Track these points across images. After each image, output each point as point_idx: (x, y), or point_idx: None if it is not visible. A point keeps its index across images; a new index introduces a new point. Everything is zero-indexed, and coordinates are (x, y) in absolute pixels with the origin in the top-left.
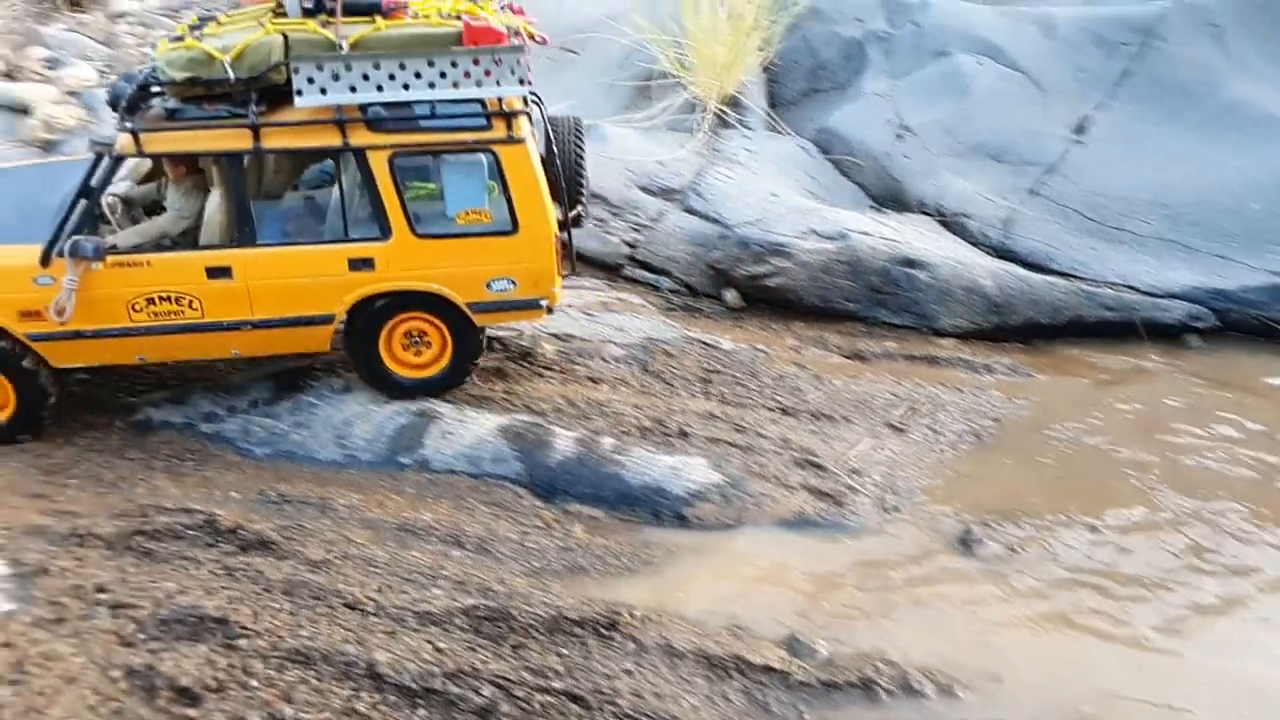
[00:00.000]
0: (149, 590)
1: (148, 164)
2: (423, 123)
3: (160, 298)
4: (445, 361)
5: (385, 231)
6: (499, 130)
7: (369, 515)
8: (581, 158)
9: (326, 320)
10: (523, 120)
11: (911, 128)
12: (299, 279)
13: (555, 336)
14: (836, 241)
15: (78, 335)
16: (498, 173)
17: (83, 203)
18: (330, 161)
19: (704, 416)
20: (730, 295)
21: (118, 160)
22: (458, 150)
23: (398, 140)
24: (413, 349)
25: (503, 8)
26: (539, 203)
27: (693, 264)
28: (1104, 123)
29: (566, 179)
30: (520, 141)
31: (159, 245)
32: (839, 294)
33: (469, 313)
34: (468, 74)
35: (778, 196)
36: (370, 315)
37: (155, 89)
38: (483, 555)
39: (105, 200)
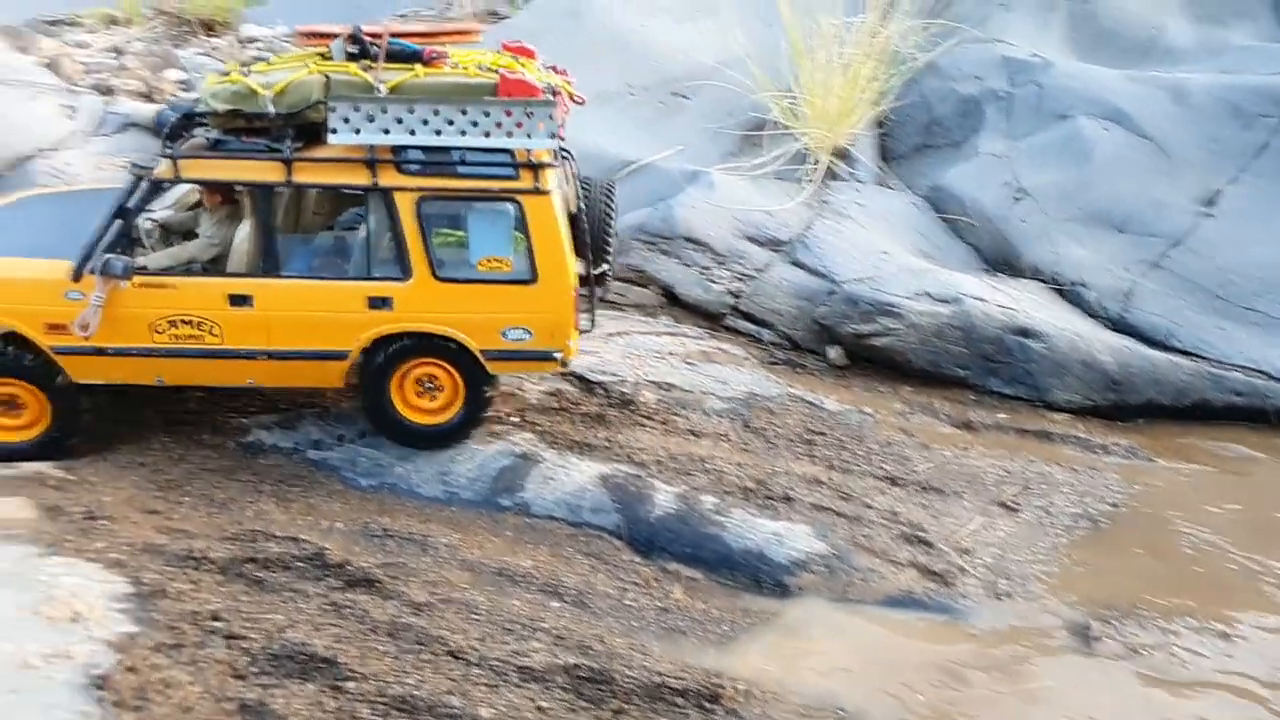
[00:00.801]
0: (260, 622)
1: (194, 195)
2: (451, 168)
3: (182, 321)
4: (456, 409)
5: (406, 272)
6: (526, 181)
7: (468, 556)
8: (611, 219)
9: (341, 356)
10: (550, 173)
11: (1029, 190)
12: (317, 312)
13: (656, 384)
14: (950, 305)
15: (100, 352)
16: (521, 223)
17: (117, 223)
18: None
19: (808, 481)
20: (834, 352)
21: (155, 184)
22: (484, 198)
23: (425, 184)
24: (426, 395)
25: (546, 67)
26: (560, 255)
27: (797, 318)
28: (1237, 196)
29: (593, 236)
30: (546, 193)
31: (187, 269)
32: (950, 359)
33: (482, 359)
34: (499, 124)
35: (888, 254)
36: (384, 358)
37: (200, 119)
38: (581, 609)
39: (143, 224)
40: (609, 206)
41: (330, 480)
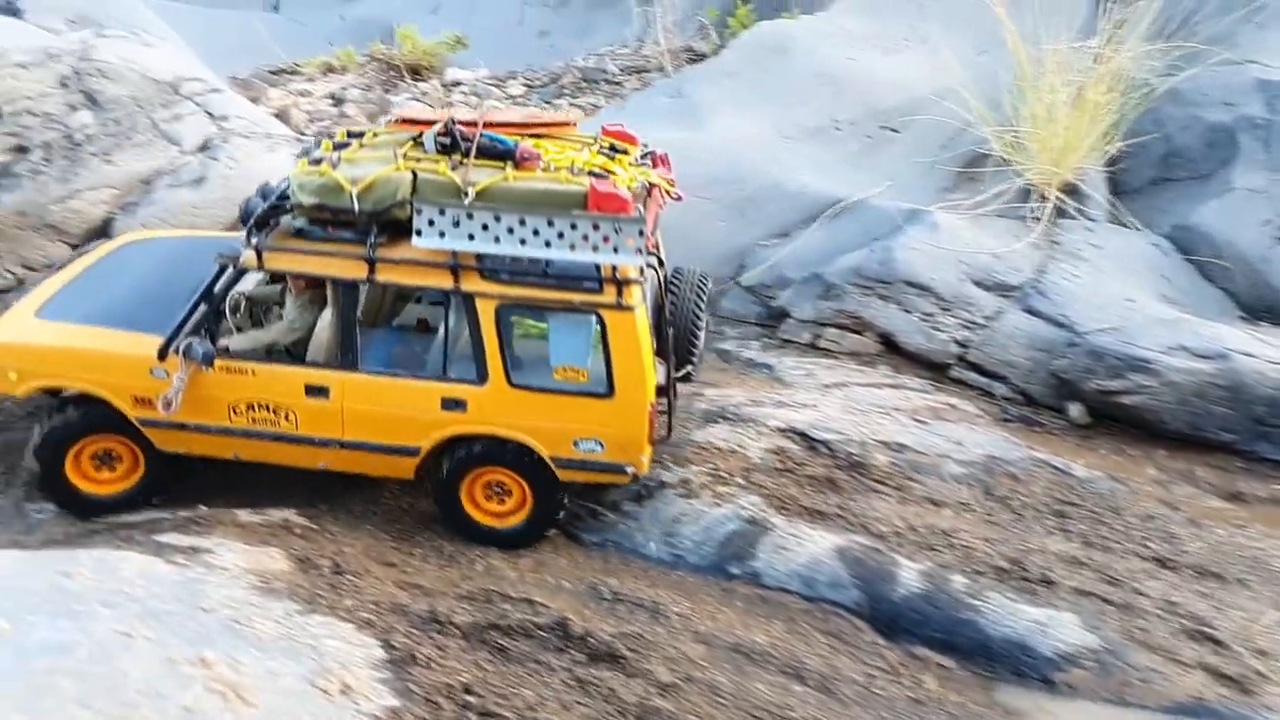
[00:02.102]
0: (510, 697)
1: None
2: (534, 277)
3: (260, 405)
4: (524, 515)
5: (482, 376)
6: (609, 295)
7: (701, 628)
8: (700, 315)
9: (413, 452)
10: (635, 289)
11: None
12: (391, 409)
13: (886, 445)
14: (1214, 362)
15: (181, 426)
16: (602, 337)
17: (203, 307)
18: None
19: (1066, 561)
20: (1075, 410)
21: (240, 272)
22: (566, 309)
23: (507, 291)
24: (495, 499)
25: (644, 155)
26: (639, 371)
27: (1033, 371)
28: None
29: (678, 338)
30: (629, 309)
31: (267, 352)
32: (1213, 421)
33: (553, 466)
34: (585, 237)
35: (1134, 301)
36: (454, 464)
37: (286, 207)
38: (827, 695)
39: (230, 294)
40: (700, 301)
41: (554, 534)
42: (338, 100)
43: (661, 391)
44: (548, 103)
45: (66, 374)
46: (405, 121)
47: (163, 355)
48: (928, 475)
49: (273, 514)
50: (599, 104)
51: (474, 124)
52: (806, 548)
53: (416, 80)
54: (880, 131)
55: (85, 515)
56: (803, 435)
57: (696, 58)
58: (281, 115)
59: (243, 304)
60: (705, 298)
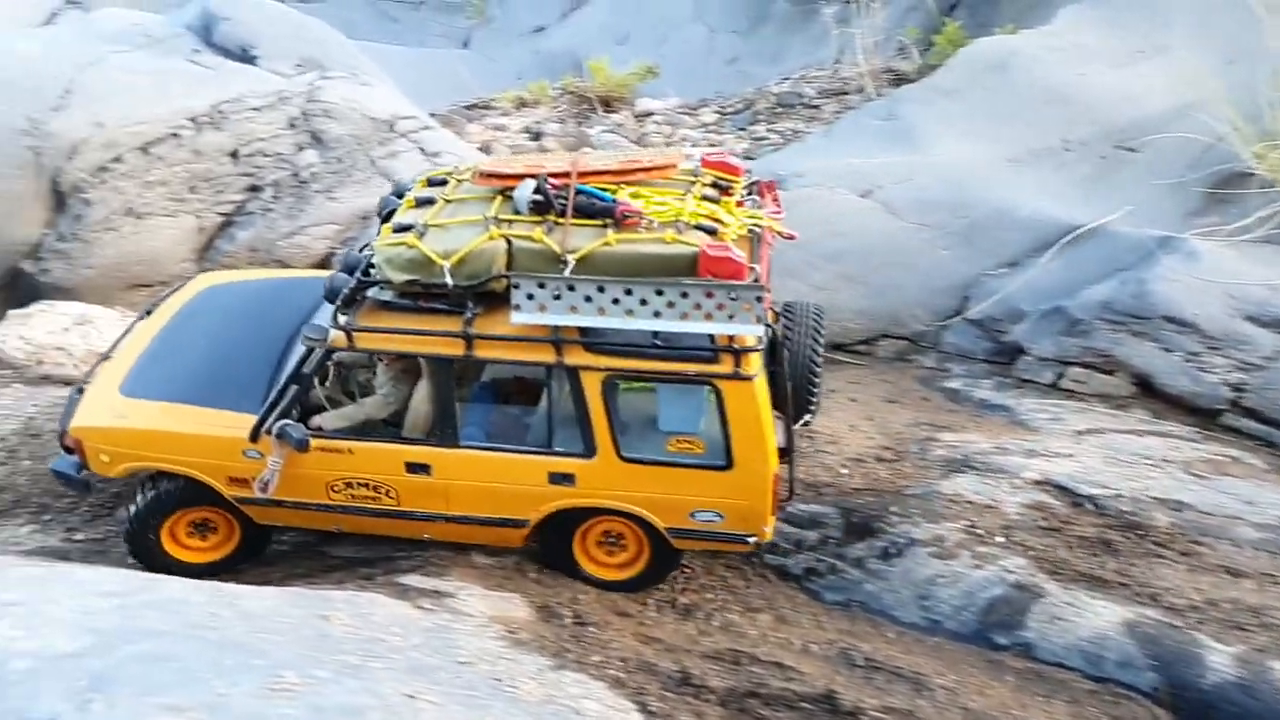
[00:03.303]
0: None
1: None
2: (642, 348)
3: (358, 483)
4: (639, 568)
5: (589, 450)
6: (726, 366)
7: (970, 704)
8: (817, 357)
9: (520, 525)
10: (754, 358)
11: None
12: (496, 484)
13: (1162, 503)
14: None
15: (279, 504)
16: (719, 407)
17: (293, 388)
18: None
19: None
20: None
21: (330, 351)
22: (679, 380)
23: (615, 364)
24: (606, 548)
25: (750, 187)
26: (761, 441)
27: None
28: None
29: (796, 385)
30: (748, 379)
31: (362, 432)
32: None
33: (668, 537)
34: (698, 306)
35: None
36: (565, 522)
37: (374, 280)
38: None
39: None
40: (817, 340)
41: (792, 589)
42: (534, 134)
43: (783, 453)
44: (742, 129)
45: (159, 456)
46: (489, 176)
47: (254, 437)
48: (1218, 539)
49: (506, 557)
50: (798, 129)
51: (566, 175)
52: (1088, 619)
53: (609, 112)
54: (1115, 151)
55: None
56: (1063, 489)
57: (898, 78)
58: (485, 150)
59: (331, 371)
60: (822, 336)
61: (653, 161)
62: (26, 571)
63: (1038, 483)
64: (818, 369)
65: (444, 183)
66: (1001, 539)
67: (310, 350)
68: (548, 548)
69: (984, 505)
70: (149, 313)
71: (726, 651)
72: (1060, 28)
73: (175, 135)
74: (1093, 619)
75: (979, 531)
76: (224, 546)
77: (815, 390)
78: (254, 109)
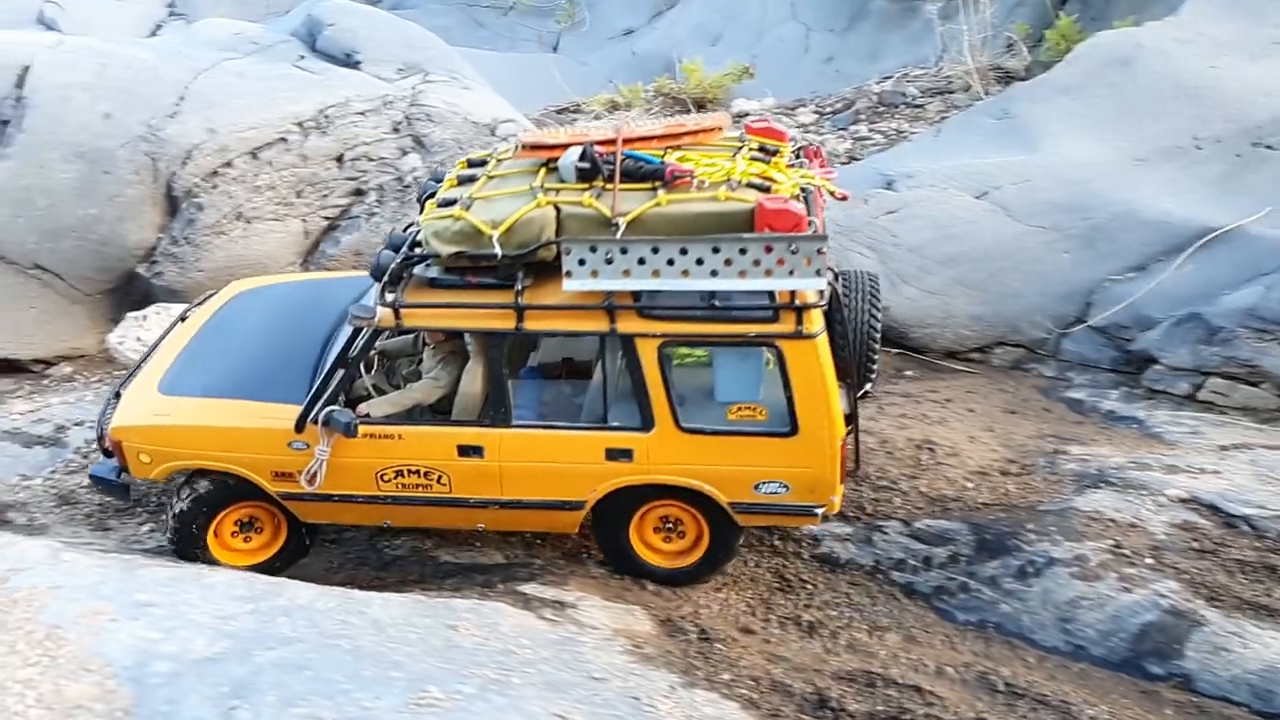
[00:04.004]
0: None
1: None
2: (699, 310)
3: (409, 470)
4: (698, 555)
5: (647, 423)
6: (787, 324)
7: None
8: (876, 327)
9: (577, 506)
10: (816, 314)
11: None
12: (551, 464)
13: None
14: None
15: (327, 498)
16: (781, 370)
17: (340, 372)
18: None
19: None
20: None
21: (377, 332)
22: (738, 343)
23: (670, 329)
24: (663, 534)
25: (797, 152)
26: (826, 405)
27: None
28: None
29: (857, 355)
30: (811, 337)
31: (411, 413)
32: None
33: (731, 513)
34: (757, 262)
35: None
36: (622, 504)
37: (420, 256)
38: None
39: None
40: (874, 310)
41: (921, 608)
42: None
43: (848, 420)
44: (843, 129)
45: (200, 454)
46: (532, 148)
47: (300, 427)
48: None
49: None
50: (901, 129)
51: (612, 143)
52: (1256, 651)
53: (703, 113)
54: (1253, 149)
55: None
56: (1214, 509)
57: (1005, 76)
58: None
59: (375, 359)
60: (879, 305)
61: (699, 124)
62: (158, 573)
63: (1184, 501)
64: (876, 339)
65: (484, 163)
66: (1151, 561)
67: (357, 331)
68: (604, 535)
69: (1127, 524)
70: (183, 319)
71: (858, 673)
72: (1188, 18)
73: (283, 140)
74: (1262, 651)
75: (1125, 552)
76: (270, 546)
77: (874, 360)
78: (359, 113)
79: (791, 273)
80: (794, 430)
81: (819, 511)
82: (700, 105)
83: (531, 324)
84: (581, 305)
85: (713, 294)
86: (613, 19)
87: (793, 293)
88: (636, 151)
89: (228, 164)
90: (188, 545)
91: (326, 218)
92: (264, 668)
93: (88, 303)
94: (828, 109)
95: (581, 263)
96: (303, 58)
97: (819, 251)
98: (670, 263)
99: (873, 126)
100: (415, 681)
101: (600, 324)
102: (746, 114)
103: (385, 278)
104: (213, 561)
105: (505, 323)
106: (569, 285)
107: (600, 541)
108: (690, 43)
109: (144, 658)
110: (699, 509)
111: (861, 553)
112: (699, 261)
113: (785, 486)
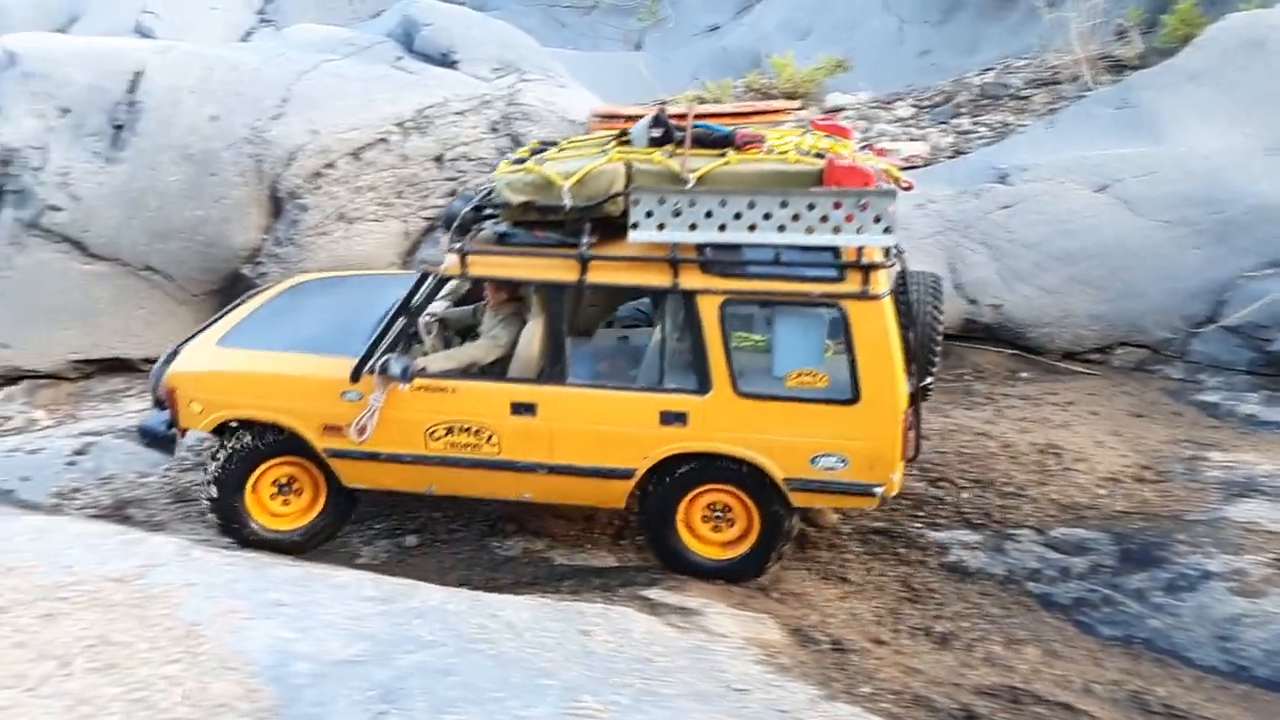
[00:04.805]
0: None
1: (466, 286)
2: (763, 268)
3: (460, 428)
4: (748, 545)
5: (704, 385)
6: (853, 284)
7: None
8: (938, 321)
9: (626, 475)
10: (882, 275)
11: None
12: (603, 426)
13: None
14: None
15: (373, 457)
16: (844, 331)
17: (400, 321)
18: (647, 300)
19: None
20: None
21: (441, 281)
22: (801, 303)
23: (733, 286)
24: (712, 524)
25: (863, 147)
26: (891, 371)
27: None
28: None
29: (920, 345)
30: (877, 298)
31: (467, 372)
32: None
33: (785, 490)
34: (825, 218)
35: None
36: (671, 482)
37: (489, 211)
38: None
39: (422, 320)
40: (936, 305)
41: (1060, 622)
42: None
43: (911, 400)
44: (943, 123)
45: (251, 404)
46: (606, 118)
47: (356, 376)
48: None
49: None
50: (1006, 121)
51: (684, 116)
52: None
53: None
54: None
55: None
56: None
57: (1116, 65)
58: None
59: (435, 328)
60: (941, 302)
61: (769, 106)
62: (286, 572)
63: None
64: (938, 333)
65: (555, 144)
66: None
67: (421, 280)
68: (651, 517)
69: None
70: (241, 304)
71: (1000, 688)
72: None
73: (383, 140)
74: None
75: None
76: (309, 511)
77: (936, 355)
78: (457, 113)
79: (859, 230)
80: (855, 397)
81: (877, 491)
82: (791, 99)
83: (595, 276)
84: (645, 257)
85: (777, 254)
86: (696, 15)
87: (860, 252)
88: (708, 123)
89: (330, 165)
90: (226, 508)
91: (426, 218)
92: (408, 672)
93: (193, 304)
94: (926, 102)
95: (649, 214)
96: (400, 58)
97: (888, 209)
98: (737, 217)
99: (976, 119)
100: (568, 690)
101: (663, 278)
102: (841, 108)
103: (455, 225)
104: (252, 525)
105: (568, 274)
106: (634, 236)
107: (647, 531)
108: (778, 38)
109: (284, 658)
110: (749, 494)
111: (992, 561)
112: (766, 216)
113: (843, 461)
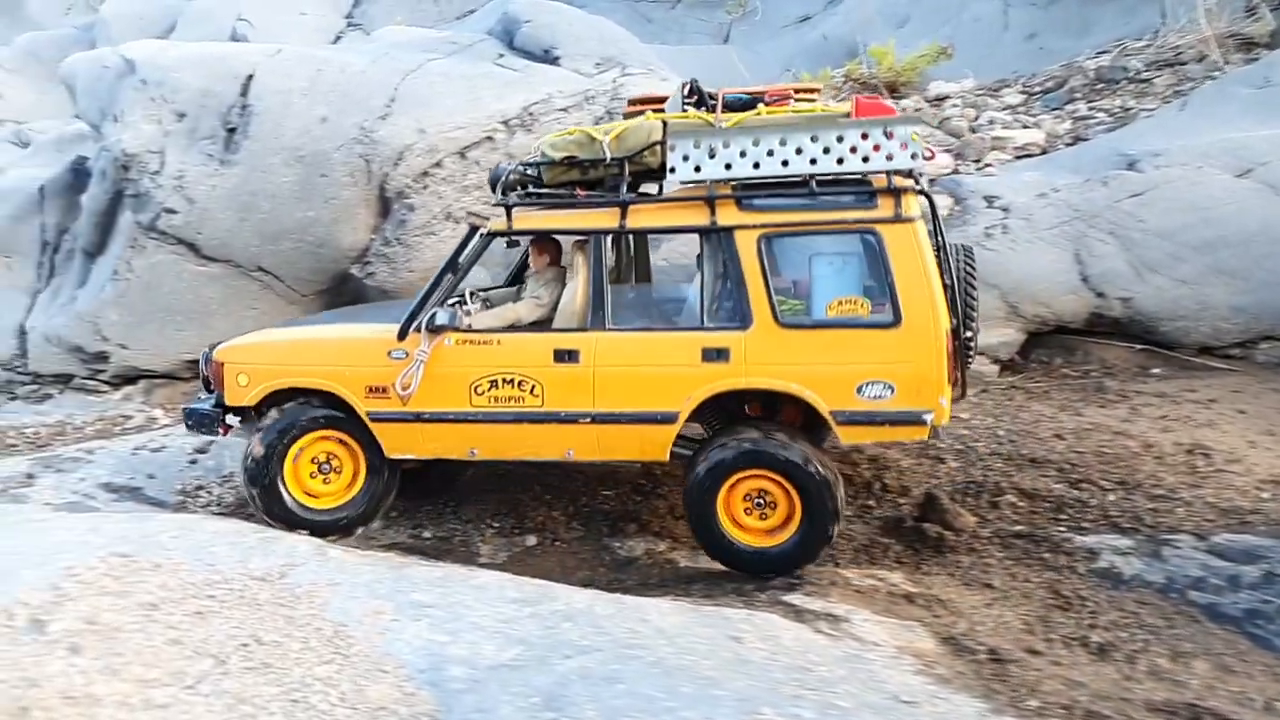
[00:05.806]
0: None
1: (513, 266)
2: (797, 200)
3: (504, 380)
4: (793, 529)
5: (745, 320)
6: (885, 208)
7: None
8: (974, 285)
9: (670, 419)
10: (913, 199)
11: None
12: (647, 367)
13: None
14: None
15: (417, 418)
16: (880, 256)
17: (448, 276)
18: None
19: None
20: None
21: (489, 237)
22: (836, 231)
23: (769, 220)
24: (755, 512)
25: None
26: (928, 292)
27: None
28: None
29: (957, 295)
30: (910, 220)
31: (511, 329)
32: None
33: (833, 423)
34: (854, 149)
35: None
36: (710, 469)
37: (533, 178)
38: None
39: (467, 293)
40: (972, 272)
41: (1231, 634)
42: None
43: (954, 335)
44: (1057, 109)
45: (296, 370)
46: (639, 102)
47: (404, 333)
48: None
49: (877, 573)
50: (1128, 105)
51: (715, 95)
52: None
53: (896, 98)
54: None
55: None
56: None
57: (1246, 43)
58: None
59: (479, 307)
60: (975, 276)
61: (799, 85)
62: (426, 572)
63: None
64: (975, 298)
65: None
66: None
67: (469, 235)
68: (692, 506)
69: None
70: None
71: (1175, 704)
72: None
73: (489, 139)
74: None
75: None
76: (349, 489)
77: (974, 317)
78: (561, 110)
79: (889, 157)
80: (897, 320)
81: (927, 418)
82: (893, 89)
83: (634, 220)
84: (683, 197)
85: (810, 186)
86: (785, 7)
87: (889, 178)
88: (737, 95)
89: (437, 164)
90: (264, 484)
91: None
92: (569, 678)
93: (303, 304)
94: (1036, 88)
95: (685, 158)
96: (502, 55)
97: (914, 134)
98: (770, 154)
99: (1093, 105)
100: (743, 702)
101: (700, 218)
102: (945, 97)
103: (501, 183)
104: (292, 503)
105: (609, 221)
106: (672, 179)
107: (690, 517)
108: (873, 27)
109: (437, 661)
110: (786, 476)
111: (1149, 568)
112: (798, 151)
113: (889, 388)
